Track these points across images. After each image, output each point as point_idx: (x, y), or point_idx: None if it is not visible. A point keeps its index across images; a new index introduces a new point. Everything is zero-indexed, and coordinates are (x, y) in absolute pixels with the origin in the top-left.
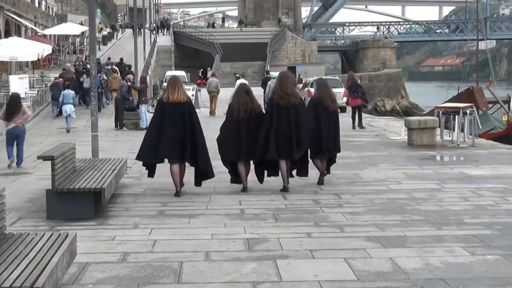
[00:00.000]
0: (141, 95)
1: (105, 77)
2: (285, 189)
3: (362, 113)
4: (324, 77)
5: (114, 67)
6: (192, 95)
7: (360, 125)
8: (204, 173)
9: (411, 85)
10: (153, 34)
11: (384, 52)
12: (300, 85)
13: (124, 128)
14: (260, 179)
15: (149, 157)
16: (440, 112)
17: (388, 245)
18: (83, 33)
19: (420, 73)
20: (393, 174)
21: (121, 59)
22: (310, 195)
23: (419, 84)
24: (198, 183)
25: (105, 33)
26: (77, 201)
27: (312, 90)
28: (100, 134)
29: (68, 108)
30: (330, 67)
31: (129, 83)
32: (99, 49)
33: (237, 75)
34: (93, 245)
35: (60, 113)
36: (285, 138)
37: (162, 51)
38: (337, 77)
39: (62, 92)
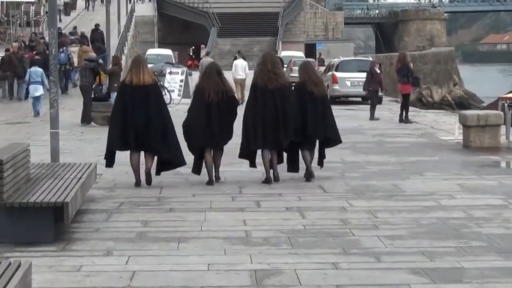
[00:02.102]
0: (114, 79)
1: (73, 50)
2: (268, 180)
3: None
4: (348, 58)
5: (79, 37)
6: (181, 81)
7: (407, 119)
8: (168, 162)
9: (467, 69)
10: (130, 2)
11: (431, 25)
12: (321, 68)
13: (92, 123)
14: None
15: (114, 145)
16: (506, 104)
17: (440, 280)
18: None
19: (479, 53)
20: (444, 185)
21: (97, 26)
22: (336, 212)
23: (477, 68)
24: (158, 172)
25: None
26: (32, 219)
27: (338, 74)
28: (61, 132)
29: (34, 89)
30: (360, 45)
31: (95, 63)
32: (60, 20)
33: (237, 54)
34: (53, 277)
35: (27, 95)
36: (271, 126)
37: (142, 24)
38: (370, 58)
39: (29, 69)
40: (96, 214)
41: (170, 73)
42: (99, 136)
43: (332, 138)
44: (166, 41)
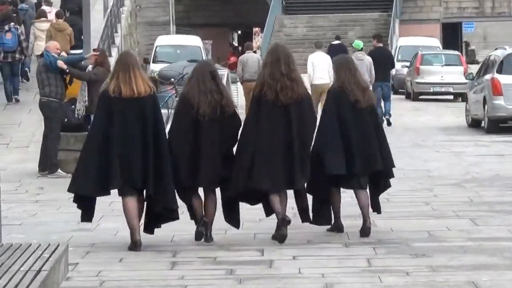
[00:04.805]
0: (96, 90)
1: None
2: (282, 237)
3: None
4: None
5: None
6: None
7: None
8: (166, 211)
9: None
10: None
11: None
12: (473, 68)
13: (59, 170)
14: (234, 219)
15: (88, 186)
16: None
17: None
18: None
19: None
20: None
21: None
22: None
23: None
24: (151, 228)
25: None
26: None
27: (502, 79)
28: (5, 187)
29: None
30: None
31: (58, 62)
32: None
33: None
34: None
35: None
36: (281, 156)
37: None
38: None
39: None
40: None
41: None
42: (71, 194)
43: (390, 169)
44: (191, 21)
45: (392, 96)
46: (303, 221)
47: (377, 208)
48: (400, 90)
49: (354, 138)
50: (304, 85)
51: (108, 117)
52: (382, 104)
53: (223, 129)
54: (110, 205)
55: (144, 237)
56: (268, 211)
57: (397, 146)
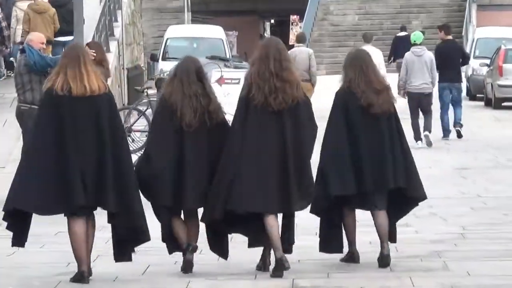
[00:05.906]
0: None
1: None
2: (280, 268)
3: None
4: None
5: None
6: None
7: None
8: (131, 231)
9: None
10: None
11: None
12: None
13: None
14: (223, 250)
15: (28, 201)
16: None
17: None
18: None
19: None
20: None
21: None
22: None
23: None
24: (123, 254)
25: None
26: None
27: None
28: None
29: None
30: None
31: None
32: None
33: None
34: None
35: None
36: (273, 173)
37: None
38: None
39: None
40: None
41: (221, 80)
42: (59, 229)
43: (412, 190)
44: (211, 7)
45: (468, 103)
46: (285, 252)
47: (391, 237)
48: (478, 96)
49: (365, 150)
50: (301, 86)
51: (56, 119)
52: (451, 111)
53: (210, 140)
54: (107, 243)
55: (148, 280)
56: (252, 242)
57: (474, 166)
